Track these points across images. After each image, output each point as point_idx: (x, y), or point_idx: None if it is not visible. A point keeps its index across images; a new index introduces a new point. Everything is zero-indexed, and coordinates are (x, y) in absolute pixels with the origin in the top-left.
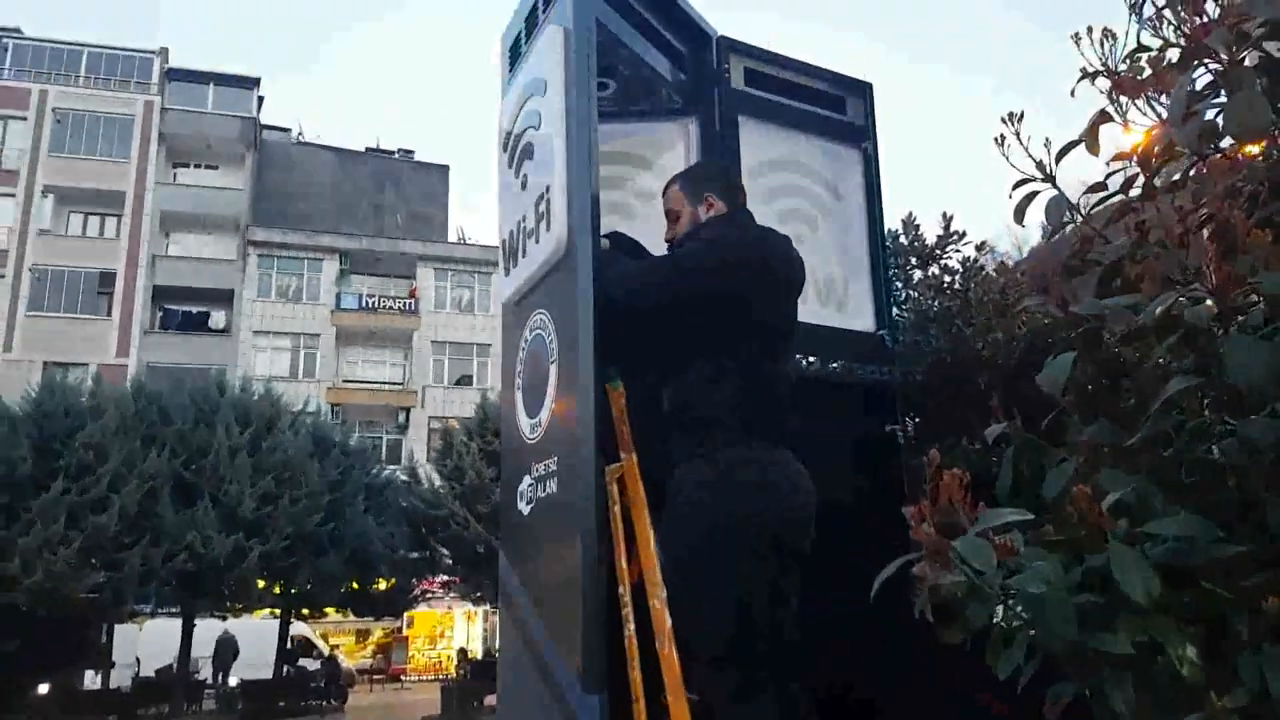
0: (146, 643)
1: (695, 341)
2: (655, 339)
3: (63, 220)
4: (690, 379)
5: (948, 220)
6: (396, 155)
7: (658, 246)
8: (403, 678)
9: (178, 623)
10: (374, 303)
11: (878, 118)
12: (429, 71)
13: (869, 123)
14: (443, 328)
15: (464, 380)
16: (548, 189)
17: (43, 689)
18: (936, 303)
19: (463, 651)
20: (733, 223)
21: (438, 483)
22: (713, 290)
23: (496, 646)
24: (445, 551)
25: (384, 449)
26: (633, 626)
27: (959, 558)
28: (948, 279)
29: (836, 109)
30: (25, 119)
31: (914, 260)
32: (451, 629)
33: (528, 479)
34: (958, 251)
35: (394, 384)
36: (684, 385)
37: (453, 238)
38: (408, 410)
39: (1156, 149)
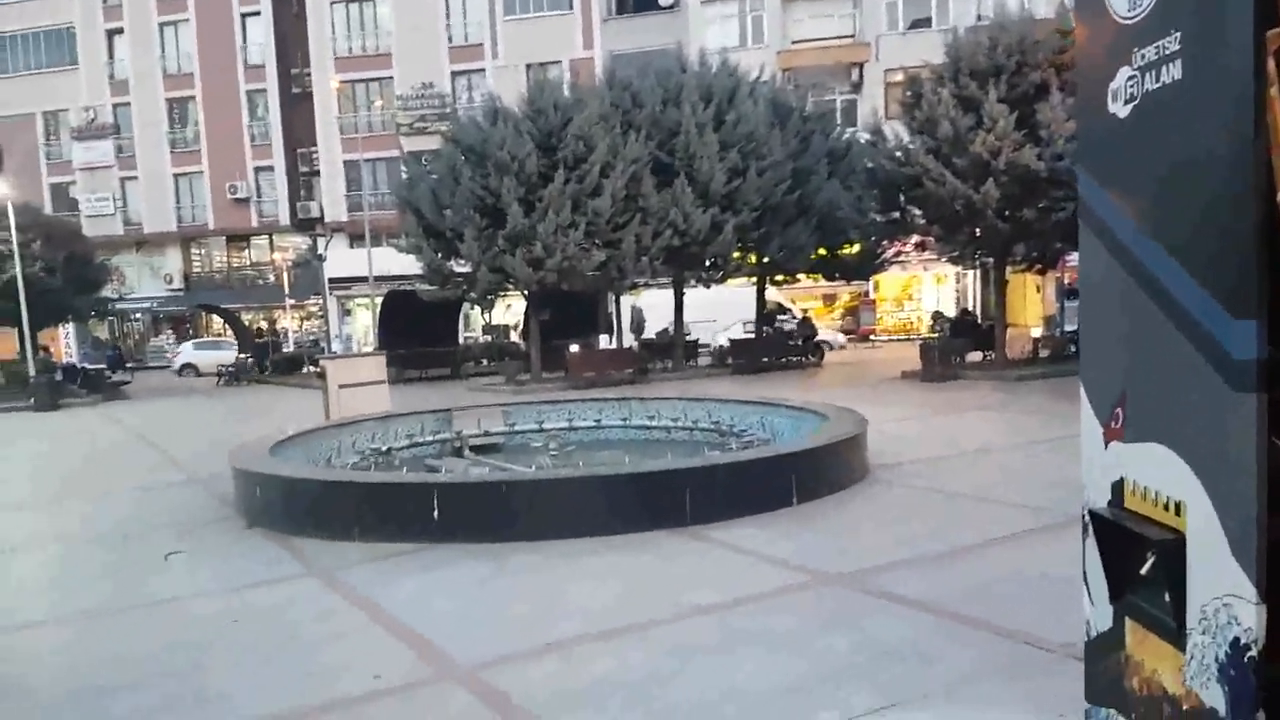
0: (644, 310)
1: None
2: None
3: None
4: None
5: None
6: None
7: None
8: (872, 338)
9: (669, 292)
10: None
11: None
12: None
13: None
14: None
15: (921, 23)
16: None
17: (573, 349)
18: None
19: (938, 313)
20: None
21: (905, 139)
22: None
23: (970, 306)
24: (917, 212)
25: (838, 112)
26: None
27: None
28: None
29: None
30: None
31: None
32: (919, 291)
33: (1125, 71)
34: None
35: (844, 37)
36: None
37: None
38: (860, 66)
39: None
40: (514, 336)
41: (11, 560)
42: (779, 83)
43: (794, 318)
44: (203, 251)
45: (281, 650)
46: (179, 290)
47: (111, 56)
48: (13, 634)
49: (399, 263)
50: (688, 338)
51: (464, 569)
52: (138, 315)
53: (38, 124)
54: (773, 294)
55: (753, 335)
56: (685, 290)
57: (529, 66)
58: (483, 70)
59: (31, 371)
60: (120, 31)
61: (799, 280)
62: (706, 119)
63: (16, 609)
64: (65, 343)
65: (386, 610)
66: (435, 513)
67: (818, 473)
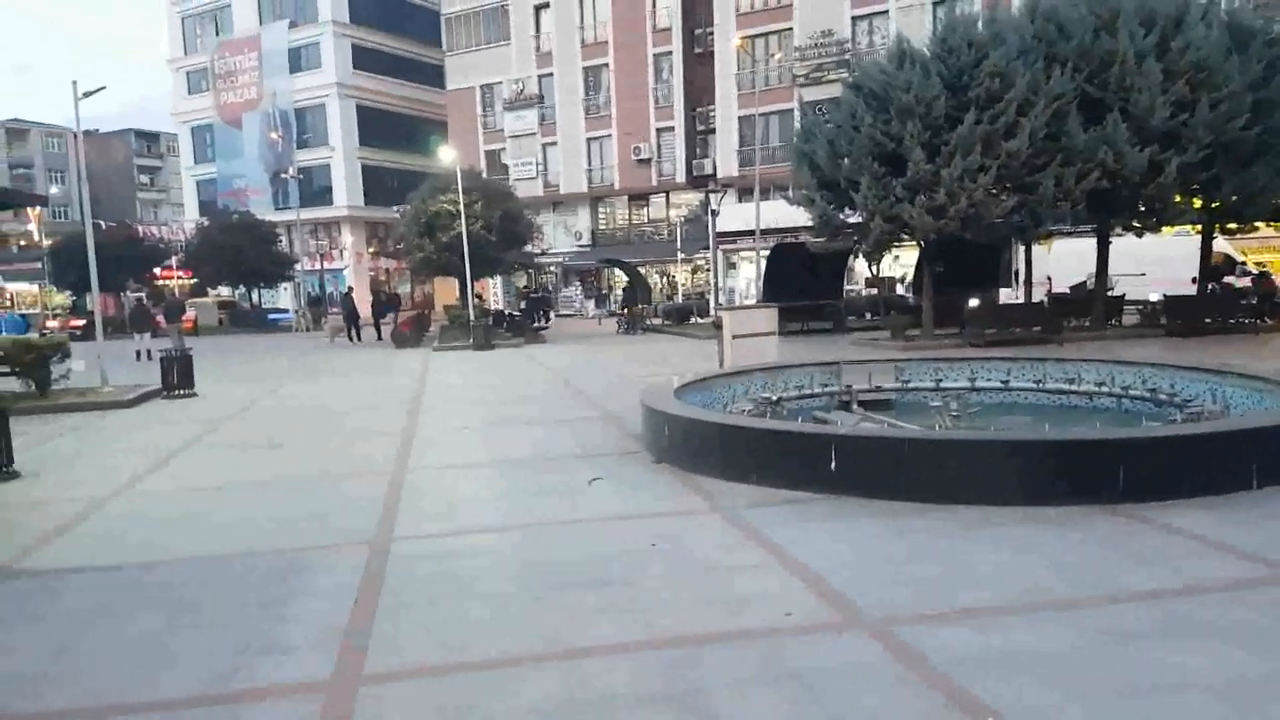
0: (1057, 261)
1: None
2: None
3: None
4: None
5: None
6: None
7: None
8: None
9: (1087, 241)
10: None
11: None
12: None
13: None
14: None
15: None
16: None
17: (972, 303)
18: None
19: None
20: None
21: None
22: None
23: None
24: None
25: None
26: None
27: None
28: None
29: None
30: None
31: None
32: None
33: None
34: None
35: None
36: None
37: None
38: None
39: None
40: (900, 289)
41: (463, 475)
42: (1238, 2)
43: (1247, 272)
44: (608, 210)
45: (695, 575)
46: (586, 246)
47: (538, 30)
48: (468, 537)
49: (784, 215)
50: (1110, 293)
51: (861, 522)
52: (552, 268)
53: (476, 96)
54: (1220, 245)
55: (1193, 292)
56: (1110, 239)
57: (936, 4)
58: (885, 12)
59: (471, 316)
60: (546, 6)
61: (1256, 229)
62: (1148, 47)
63: (470, 516)
64: (494, 291)
65: (786, 551)
66: (832, 464)
67: None
